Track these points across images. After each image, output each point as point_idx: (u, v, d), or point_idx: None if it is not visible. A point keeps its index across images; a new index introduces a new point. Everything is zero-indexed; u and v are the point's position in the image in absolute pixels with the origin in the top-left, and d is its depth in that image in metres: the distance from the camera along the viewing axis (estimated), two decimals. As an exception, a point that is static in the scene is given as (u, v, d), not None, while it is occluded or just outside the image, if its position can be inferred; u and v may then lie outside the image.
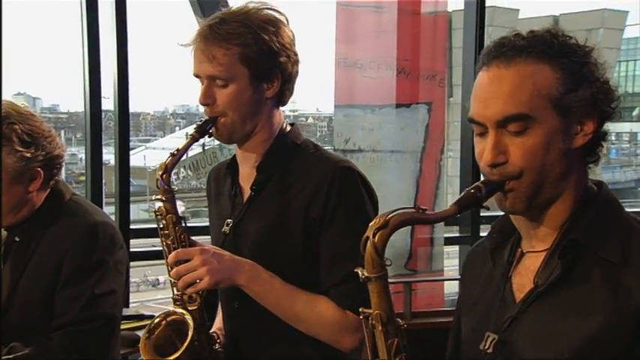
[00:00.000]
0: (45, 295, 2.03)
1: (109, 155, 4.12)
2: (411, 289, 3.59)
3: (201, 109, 1.91)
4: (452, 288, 5.09)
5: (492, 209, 1.42)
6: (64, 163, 2.17)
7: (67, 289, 2.03)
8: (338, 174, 1.86)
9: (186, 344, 1.82)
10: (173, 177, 1.93)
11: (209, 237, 2.09)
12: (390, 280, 1.35)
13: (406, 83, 4.11)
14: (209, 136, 1.89)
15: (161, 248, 1.91)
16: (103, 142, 3.79)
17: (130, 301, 3.84)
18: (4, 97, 2.05)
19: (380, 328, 1.34)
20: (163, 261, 1.90)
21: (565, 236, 1.36)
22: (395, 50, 4.08)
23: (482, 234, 4.37)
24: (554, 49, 1.34)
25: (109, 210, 3.69)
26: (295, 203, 1.87)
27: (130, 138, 3.98)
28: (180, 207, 1.97)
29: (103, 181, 3.82)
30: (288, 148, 1.94)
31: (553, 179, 1.35)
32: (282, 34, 1.87)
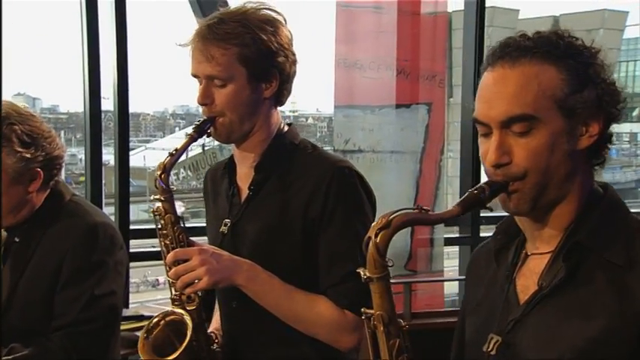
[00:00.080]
0: (45, 296, 2.03)
1: (108, 156, 4.12)
2: (410, 290, 3.59)
3: (201, 109, 1.91)
4: (452, 289, 5.10)
5: (495, 210, 1.41)
6: (63, 164, 2.16)
7: (67, 289, 2.03)
8: (337, 174, 1.86)
9: (185, 344, 1.82)
10: (173, 177, 1.93)
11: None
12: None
13: (406, 84, 4.11)
14: (207, 136, 1.89)
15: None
16: (102, 143, 3.78)
17: (130, 301, 3.83)
18: (3, 98, 2.05)
19: (382, 328, 1.34)
20: (163, 261, 1.90)
21: (570, 238, 1.35)
22: (395, 51, 4.08)
23: (482, 235, 4.37)
24: (559, 49, 1.34)
25: (109, 210, 3.69)
26: (294, 203, 1.87)
27: (130, 138, 3.98)
28: (180, 207, 1.97)
29: (103, 182, 3.82)
30: (286, 148, 1.94)
31: (557, 180, 1.34)
32: (280, 34, 1.87)
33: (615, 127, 1.40)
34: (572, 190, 1.36)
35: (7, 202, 2.02)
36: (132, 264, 2.28)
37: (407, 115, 4.12)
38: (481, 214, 4.27)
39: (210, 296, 2.05)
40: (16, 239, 2.08)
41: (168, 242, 1.88)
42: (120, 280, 2.13)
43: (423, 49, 4.12)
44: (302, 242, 1.87)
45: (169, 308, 1.91)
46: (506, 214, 1.43)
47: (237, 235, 1.94)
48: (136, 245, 3.88)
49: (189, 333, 1.84)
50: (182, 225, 1.89)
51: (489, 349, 1.39)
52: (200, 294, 1.89)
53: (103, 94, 3.80)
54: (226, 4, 2.27)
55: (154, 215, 1.89)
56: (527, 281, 1.40)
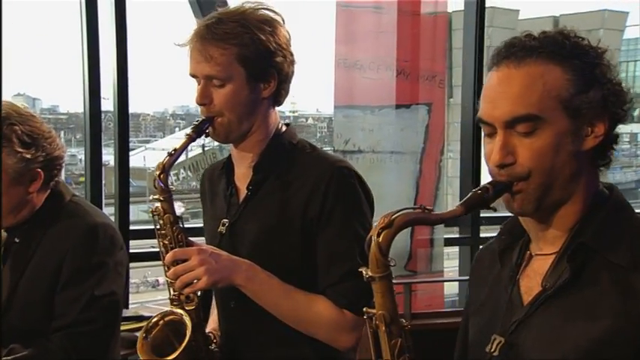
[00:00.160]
0: (45, 297, 2.03)
1: (108, 156, 4.12)
2: (410, 290, 3.59)
3: (200, 109, 1.91)
4: (452, 289, 5.10)
5: (498, 210, 1.41)
6: (64, 164, 2.16)
7: (67, 290, 2.02)
8: (336, 174, 1.87)
9: (184, 344, 1.82)
10: (173, 178, 1.93)
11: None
12: (389, 281, 1.35)
13: (406, 84, 4.11)
14: (206, 136, 1.89)
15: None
16: (102, 143, 3.78)
17: (130, 302, 3.83)
18: (3, 98, 2.05)
19: (383, 328, 1.33)
20: (162, 262, 1.89)
21: (574, 239, 1.35)
22: (395, 51, 4.08)
23: (482, 235, 4.37)
24: (565, 49, 1.33)
25: (109, 211, 3.68)
26: (293, 203, 1.87)
27: (130, 139, 3.98)
28: (180, 208, 1.97)
29: (103, 182, 3.82)
30: (285, 148, 1.94)
31: (562, 181, 1.33)
32: (278, 34, 1.87)
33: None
34: (577, 191, 1.36)
35: (8, 203, 2.02)
36: (132, 264, 2.27)
37: (407, 115, 4.12)
38: (481, 215, 4.27)
39: (207, 296, 2.05)
40: (16, 240, 2.08)
41: (167, 242, 1.88)
42: (120, 280, 2.12)
43: (423, 50, 4.12)
44: (301, 242, 1.87)
45: (168, 308, 1.91)
46: (508, 214, 1.43)
47: (236, 235, 1.94)
48: (136, 246, 3.88)
49: (188, 333, 1.84)
50: (181, 225, 1.89)
51: (492, 350, 1.38)
52: (199, 294, 1.89)
53: (102, 94, 3.80)
54: (225, 3, 2.26)
55: (153, 215, 1.89)
56: (531, 282, 1.40)
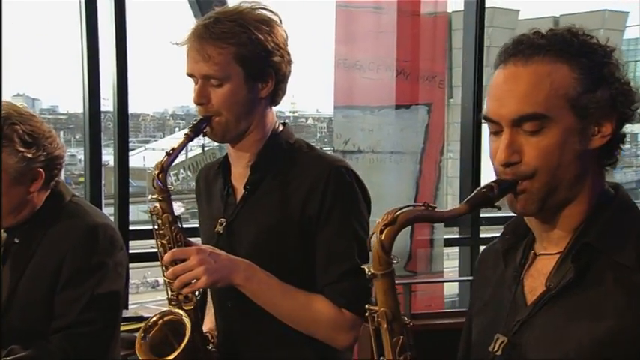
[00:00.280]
0: (45, 297, 2.03)
1: (108, 156, 4.12)
2: (410, 291, 3.59)
3: (197, 109, 1.90)
4: (452, 289, 5.09)
5: (502, 209, 1.40)
6: (64, 164, 2.16)
7: (67, 290, 2.03)
8: (334, 173, 1.87)
9: (184, 344, 1.82)
10: (172, 178, 1.93)
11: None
12: (390, 281, 1.35)
13: (406, 84, 4.10)
14: (203, 136, 1.89)
15: (160, 249, 1.91)
16: (102, 144, 3.78)
17: (130, 302, 3.82)
18: (3, 99, 2.05)
19: (385, 325, 1.33)
20: (160, 262, 1.89)
21: (579, 239, 1.34)
22: (394, 51, 4.07)
23: (482, 235, 4.37)
24: (573, 48, 1.32)
25: (108, 211, 3.68)
26: (291, 202, 1.88)
27: (130, 139, 3.97)
28: (180, 208, 1.97)
29: (103, 183, 3.82)
30: (282, 147, 1.95)
31: (567, 181, 1.33)
32: (275, 34, 1.88)
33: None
34: (582, 191, 1.35)
35: (9, 203, 2.02)
36: (131, 265, 2.27)
37: (407, 115, 4.12)
38: (481, 215, 4.26)
39: (202, 297, 2.05)
40: (16, 240, 2.08)
41: (165, 242, 1.87)
42: (120, 281, 2.12)
43: (423, 50, 4.12)
44: (299, 241, 1.88)
45: (167, 308, 1.91)
46: (509, 215, 1.42)
47: (233, 234, 1.94)
48: (136, 246, 3.87)
49: (187, 333, 1.84)
50: (179, 225, 1.89)
51: (495, 349, 1.38)
52: (197, 293, 1.89)
53: (102, 94, 3.80)
54: (223, 3, 2.26)
55: (151, 215, 1.89)
56: (535, 282, 1.39)
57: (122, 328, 2.24)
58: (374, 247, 1.30)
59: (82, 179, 4.56)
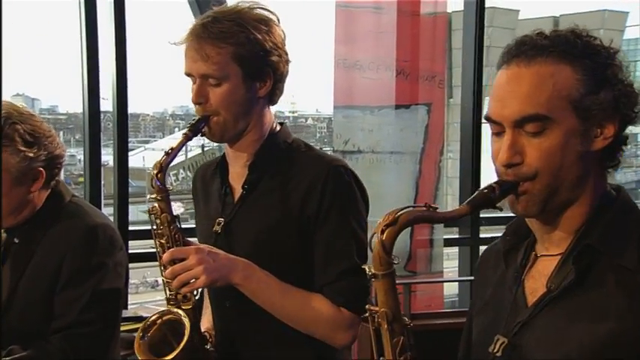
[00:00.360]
0: (44, 298, 2.03)
1: (107, 156, 4.11)
2: (410, 291, 3.59)
3: (195, 108, 1.90)
4: (451, 290, 5.09)
5: (504, 210, 1.40)
6: (64, 164, 2.16)
7: (67, 291, 2.02)
8: (332, 172, 1.87)
9: (183, 344, 1.82)
10: (172, 178, 1.93)
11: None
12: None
13: (405, 84, 4.10)
14: (201, 135, 1.89)
15: (159, 249, 1.90)
16: (101, 144, 3.78)
17: (129, 302, 3.82)
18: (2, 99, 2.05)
19: (385, 326, 1.33)
20: (158, 262, 1.89)
21: (580, 241, 1.34)
22: (394, 51, 4.07)
23: (482, 236, 4.37)
24: (577, 49, 1.32)
25: (108, 211, 3.68)
26: (290, 201, 1.88)
27: (129, 139, 3.97)
28: (180, 208, 1.97)
29: (102, 183, 3.81)
30: (280, 147, 1.95)
31: (569, 183, 1.32)
32: (274, 33, 1.88)
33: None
34: (584, 193, 1.35)
35: (10, 203, 2.02)
36: (131, 265, 2.27)
37: (406, 115, 4.12)
38: (481, 215, 4.26)
39: (200, 296, 2.05)
40: (16, 240, 2.08)
41: (164, 241, 1.87)
42: (119, 281, 2.12)
43: (423, 50, 4.12)
44: (297, 240, 1.88)
45: (167, 308, 1.91)
46: (509, 215, 1.42)
47: (232, 234, 1.94)
48: (135, 246, 3.87)
49: (187, 332, 1.83)
50: (178, 225, 1.89)
51: (495, 351, 1.38)
52: (196, 293, 1.89)
53: (102, 94, 3.80)
54: (221, 3, 2.26)
55: (150, 215, 1.88)
56: (536, 283, 1.39)
57: (122, 329, 2.24)
58: (375, 247, 1.30)
59: (81, 179, 4.55)
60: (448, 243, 4.41)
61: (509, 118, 1.32)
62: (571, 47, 1.32)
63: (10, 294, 2.04)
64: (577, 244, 1.34)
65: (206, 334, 1.99)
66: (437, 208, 1.30)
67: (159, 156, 1.87)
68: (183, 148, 1.91)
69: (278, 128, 1.98)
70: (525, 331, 1.36)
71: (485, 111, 1.39)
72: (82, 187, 3.91)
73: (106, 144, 3.96)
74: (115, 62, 3.70)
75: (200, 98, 1.86)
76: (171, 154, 1.86)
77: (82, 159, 3.96)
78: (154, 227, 1.88)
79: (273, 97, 1.94)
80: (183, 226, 1.91)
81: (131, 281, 2.63)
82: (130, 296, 3.44)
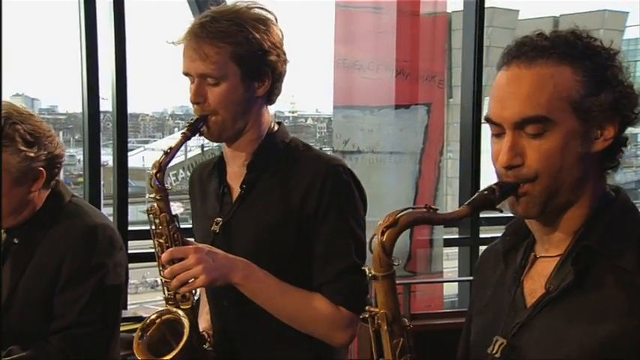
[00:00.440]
0: (44, 298, 2.03)
1: (107, 156, 4.11)
2: (410, 291, 3.58)
3: (193, 108, 1.90)
4: (451, 290, 5.09)
5: (504, 211, 1.39)
6: (63, 163, 2.16)
7: (66, 291, 2.02)
8: (331, 172, 1.88)
9: (182, 343, 1.82)
10: (172, 178, 1.93)
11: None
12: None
13: (405, 84, 4.10)
14: (200, 135, 1.88)
15: (159, 249, 1.90)
16: (101, 144, 3.78)
17: (129, 302, 3.82)
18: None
19: (385, 327, 1.33)
20: (157, 261, 1.89)
21: (579, 242, 1.33)
22: (394, 51, 4.07)
23: (482, 236, 4.37)
24: (577, 50, 1.31)
25: (107, 211, 3.67)
26: (288, 201, 1.88)
27: (129, 139, 3.97)
28: (179, 208, 1.96)
29: (102, 183, 3.81)
30: (278, 146, 1.95)
31: (569, 184, 1.32)
32: (272, 33, 1.88)
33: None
34: (583, 194, 1.34)
35: (10, 203, 2.02)
36: (130, 265, 2.27)
37: (406, 115, 4.12)
38: (481, 215, 4.26)
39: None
40: (16, 240, 2.08)
41: (162, 241, 1.87)
42: (119, 281, 2.12)
43: (423, 50, 4.12)
44: (296, 239, 1.88)
45: (166, 308, 1.91)
46: (509, 215, 1.41)
47: (230, 233, 1.94)
48: (135, 246, 3.87)
49: (186, 332, 1.83)
50: (177, 224, 1.88)
51: (494, 352, 1.38)
52: (195, 293, 1.89)
53: (101, 94, 3.79)
54: (218, 2, 2.26)
55: (149, 214, 1.88)
56: (535, 284, 1.39)
57: (121, 329, 2.23)
58: (375, 249, 1.30)
59: (81, 179, 4.55)
60: (448, 243, 4.41)
61: (510, 119, 1.31)
62: (571, 48, 1.32)
63: (9, 294, 2.04)
64: (576, 246, 1.34)
65: (204, 334, 1.98)
66: (437, 209, 1.30)
67: (158, 156, 1.87)
68: (183, 148, 1.91)
69: (276, 128, 1.98)
70: (524, 333, 1.36)
71: (485, 111, 1.39)
72: (82, 187, 3.91)
73: (105, 144, 3.97)
74: (114, 62, 3.70)
75: (198, 98, 1.86)
76: (170, 153, 1.86)
77: (82, 159, 3.95)
78: (153, 227, 1.88)
79: (271, 96, 1.94)
80: (182, 226, 1.91)
81: (131, 281, 2.63)
82: (129, 296, 3.44)
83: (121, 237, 2.19)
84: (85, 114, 3.75)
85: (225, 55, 1.83)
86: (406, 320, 1.35)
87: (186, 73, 1.88)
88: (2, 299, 2.02)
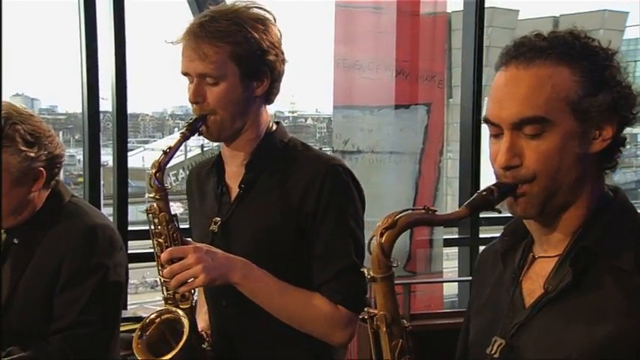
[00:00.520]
0: (44, 298, 2.03)
1: (107, 157, 4.11)
2: (410, 291, 3.58)
3: (192, 108, 1.90)
4: (451, 290, 5.09)
5: (502, 212, 1.39)
6: (63, 163, 2.16)
7: (66, 291, 2.02)
8: (330, 171, 1.88)
9: (182, 343, 1.82)
10: (172, 178, 1.93)
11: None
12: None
13: (405, 84, 4.10)
14: (199, 134, 1.89)
15: (158, 249, 1.90)
16: (101, 144, 3.78)
17: (129, 302, 3.82)
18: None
19: (384, 329, 1.33)
20: (156, 261, 1.89)
21: (577, 243, 1.33)
22: (394, 51, 4.07)
23: (481, 236, 4.37)
24: (575, 51, 1.31)
25: (107, 211, 3.68)
26: (287, 200, 1.88)
27: (129, 139, 3.97)
28: (179, 208, 1.96)
29: (102, 183, 3.81)
30: (276, 146, 1.95)
31: (567, 185, 1.32)
32: (270, 33, 1.88)
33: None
34: (582, 195, 1.34)
35: (10, 203, 2.02)
36: (130, 265, 2.27)
37: (406, 115, 4.12)
38: (480, 215, 4.26)
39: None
40: (15, 240, 2.08)
41: (162, 241, 1.87)
42: (119, 281, 2.12)
43: (423, 50, 4.12)
44: (295, 239, 1.88)
45: (165, 307, 1.91)
46: (508, 215, 1.41)
47: (229, 233, 1.94)
48: (135, 246, 3.87)
49: (186, 331, 1.83)
50: (176, 224, 1.88)
51: (493, 352, 1.37)
52: (195, 292, 1.89)
53: (101, 94, 3.80)
54: (217, 2, 2.26)
55: (148, 214, 1.88)
56: (534, 284, 1.39)
57: (121, 329, 2.23)
58: (374, 250, 1.30)
59: (80, 179, 4.55)
60: (448, 243, 4.41)
61: (508, 120, 1.31)
62: (569, 49, 1.31)
63: (9, 294, 2.04)
64: (574, 246, 1.34)
65: (203, 333, 1.98)
66: (436, 210, 1.30)
67: (158, 156, 1.87)
68: (183, 148, 1.91)
69: (274, 127, 1.98)
70: (522, 333, 1.36)
71: (484, 111, 1.39)
72: (82, 188, 3.91)
73: (105, 144, 3.97)
74: (114, 62, 3.70)
75: (197, 97, 1.86)
76: (169, 153, 1.86)
77: (82, 159, 3.96)
78: (152, 226, 1.89)
79: (269, 96, 1.94)
80: (181, 225, 1.91)
81: (130, 281, 2.63)
82: (129, 296, 3.45)
83: (121, 237, 2.19)
84: (84, 114, 3.75)
85: (224, 54, 1.83)
86: (405, 321, 1.35)
87: (185, 73, 1.88)
88: (2, 299, 2.02)
